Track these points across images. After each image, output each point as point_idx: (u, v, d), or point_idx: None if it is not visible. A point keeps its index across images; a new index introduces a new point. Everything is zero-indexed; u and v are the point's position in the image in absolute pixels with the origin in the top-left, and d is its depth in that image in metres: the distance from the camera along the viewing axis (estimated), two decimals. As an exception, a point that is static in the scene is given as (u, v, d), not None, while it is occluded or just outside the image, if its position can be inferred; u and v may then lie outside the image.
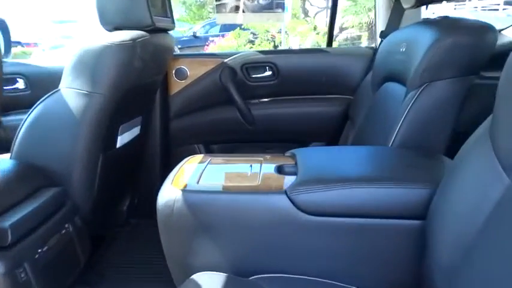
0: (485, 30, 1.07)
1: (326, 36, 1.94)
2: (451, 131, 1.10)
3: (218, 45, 8.36)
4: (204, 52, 1.95)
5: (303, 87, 1.82)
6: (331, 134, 1.82)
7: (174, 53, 1.81)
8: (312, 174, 0.90)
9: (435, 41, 1.08)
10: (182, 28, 11.69)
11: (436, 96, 1.09)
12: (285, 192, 0.85)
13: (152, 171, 1.84)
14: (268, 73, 1.82)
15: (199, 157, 1.10)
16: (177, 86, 1.82)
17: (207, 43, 8.83)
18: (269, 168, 0.99)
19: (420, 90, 1.10)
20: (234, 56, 1.82)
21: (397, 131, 1.11)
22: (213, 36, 9.44)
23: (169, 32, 1.60)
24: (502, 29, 1.84)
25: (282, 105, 1.83)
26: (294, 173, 0.94)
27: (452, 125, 1.10)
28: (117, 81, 1.19)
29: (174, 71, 1.81)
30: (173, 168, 1.85)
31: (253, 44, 8.34)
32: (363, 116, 1.54)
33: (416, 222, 0.83)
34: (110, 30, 1.30)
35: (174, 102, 1.83)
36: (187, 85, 1.81)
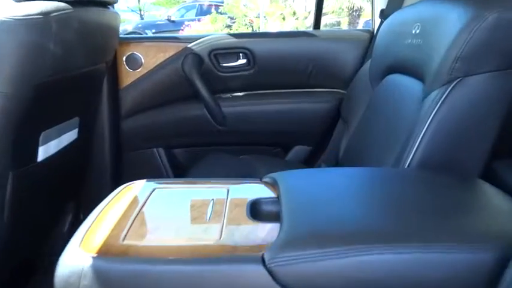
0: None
1: (312, 19, 1.61)
2: (491, 144, 0.80)
3: (194, 30, 7.96)
4: (162, 35, 1.60)
5: (284, 79, 1.48)
6: (319, 136, 1.50)
7: (124, 35, 1.45)
8: (305, 225, 0.58)
9: (472, 18, 0.77)
10: (158, 12, 11.14)
11: (473, 97, 0.78)
12: (262, 260, 0.53)
13: (100, 182, 1.49)
14: (242, 61, 1.48)
15: (139, 185, 0.77)
16: (129, 77, 1.46)
17: (182, 27, 8.41)
18: (239, 206, 0.67)
19: (449, 88, 0.79)
20: (200, 40, 1.47)
21: (418, 145, 0.80)
22: (188, 20, 9.04)
23: (110, 5, 1.23)
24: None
25: (259, 100, 1.50)
26: (276, 218, 0.62)
27: (494, 136, 0.80)
28: (23, 73, 0.84)
29: (124, 59, 1.45)
30: (125, 175, 1.45)
31: (230, 29, 7.99)
32: (360, 116, 1.23)
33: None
34: (17, 0, 0.93)
35: (126, 97, 1.47)
36: (141, 76, 1.46)
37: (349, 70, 1.43)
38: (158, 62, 1.45)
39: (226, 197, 0.70)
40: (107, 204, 0.71)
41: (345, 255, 0.50)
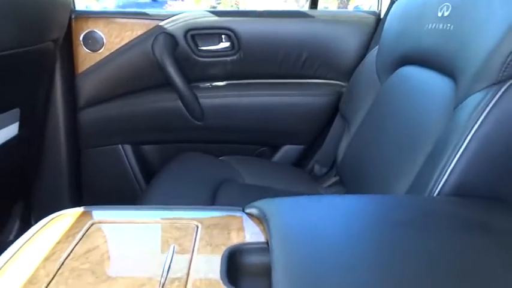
0: None
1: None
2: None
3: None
4: (128, 10, 1.34)
5: (274, 68, 1.26)
6: (313, 135, 1.30)
7: (79, 9, 1.20)
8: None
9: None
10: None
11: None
12: None
13: (56, 182, 1.26)
14: (224, 44, 1.25)
15: (71, 216, 0.55)
16: (87, 60, 1.22)
17: (164, 7, 8.04)
18: (211, 259, 0.46)
19: (501, 91, 0.59)
20: (175, 18, 1.23)
21: (453, 167, 0.60)
22: (172, -1, 8.66)
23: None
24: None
25: (243, 91, 1.27)
26: (263, 279, 0.41)
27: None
28: None
29: (81, 38, 1.20)
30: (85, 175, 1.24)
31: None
32: (363, 115, 1.03)
33: None
34: None
35: (84, 84, 1.23)
36: (103, 59, 1.22)
37: (351, 59, 1.22)
38: (123, 43, 1.21)
39: (193, 242, 0.49)
40: (25, 242, 0.50)
41: None
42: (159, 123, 1.29)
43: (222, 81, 1.29)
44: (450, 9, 0.77)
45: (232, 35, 1.23)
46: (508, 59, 0.58)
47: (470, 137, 0.59)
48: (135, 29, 1.21)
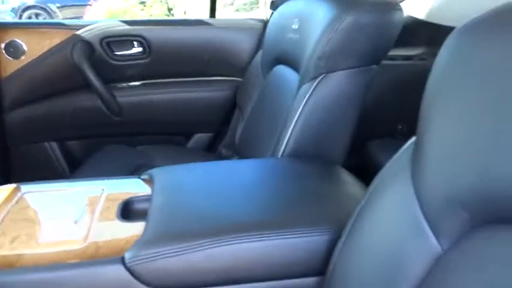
0: (391, 7, 0.85)
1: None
2: (351, 134, 0.89)
3: (104, 6, 7.44)
4: (46, 20, 1.47)
5: (182, 68, 1.48)
6: (218, 123, 1.54)
7: (0, 20, 1.34)
8: (167, 222, 0.60)
9: (333, 19, 0.84)
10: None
11: (335, 91, 0.86)
12: (123, 261, 0.55)
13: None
14: (137, 49, 1.45)
15: (5, 190, 0.73)
16: (10, 66, 1.35)
17: (89, 2, 7.82)
18: (111, 206, 0.68)
19: (316, 82, 0.86)
20: (91, 27, 1.40)
21: (289, 135, 0.86)
22: (99, -6, 8.42)
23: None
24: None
25: (157, 90, 1.48)
26: (145, 217, 0.64)
27: (354, 126, 0.89)
28: None
29: (3, 46, 1.33)
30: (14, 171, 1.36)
31: (144, 6, 7.62)
32: (252, 105, 1.28)
33: (316, 280, 0.60)
34: None
35: (9, 87, 1.37)
36: (25, 65, 1.36)
37: (244, 59, 1.46)
38: (44, 50, 1.36)
39: (99, 198, 0.70)
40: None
41: (197, 249, 0.54)
42: (81, 120, 1.46)
43: (136, 81, 1.48)
44: (299, 23, 1.04)
45: (143, 41, 1.43)
46: (317, 62, 0.85)
47: (299, 113, 0.86)
48: (54, 38, 1.36)
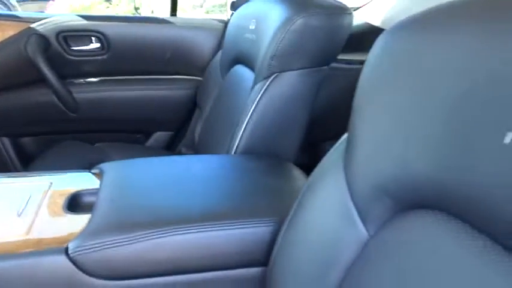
0: (341, 11, 0.89)
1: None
2: (303, 132, 0.92)
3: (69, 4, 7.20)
4: (-1, 12, 1.42)
5: (141, 65, 1.47)
6: (178, 122, 1.54)
7: None
8: (112, 214, 0.61)
9: (286, 20, 0.87)
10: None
11: (287, 90, 0.89)
12: (66, 251, 0.55)
13: None
14: (95, 45, 1.43)
15: None
16: (-41, 58, 1.30)
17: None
18: (58, 199, 0.67)
19: (268, 82, 0.89)
20: (46, 21, 1.37)
21: (242, 133, 0.88)
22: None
23: None
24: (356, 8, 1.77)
25: (115, 86, 1.46)
26: (91, 209, 0.64)
27: (305, 125, 0.92)
28: None
29: (-49, 38, 1.28)
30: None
31: (110, 3, 7.44)
32: (211, 104, 1.29)
33: (260, 270, 0.62)
34: None
35: (-43, 81, 1.31)
36: (-25, 57, 1.31)
37: (205, 58, 1.47)
38: (-4, 43, 1.32)
39: (47, 191, 0.70)
40: None
41: (142, 240, 0.55)
42: (36, 116, 1.42)
43: (94, 77, 1.46)
44: (256, 23, 1.06)
45: (101, 37, 1.41)
46: (270, 62, 0.87)
47: (252, 112, 0.88)
48: (7, 30, 1.32)
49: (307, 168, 0.92)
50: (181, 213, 0.61)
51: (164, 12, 1.70)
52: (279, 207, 0.63)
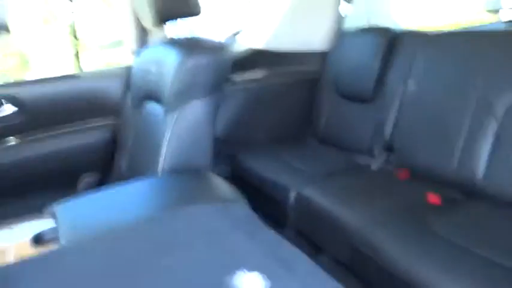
0: (220, 49, 1.16)
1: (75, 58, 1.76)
2: (212, 146, 1.16)
3: None
4: None
5: (59, 120, 1.60)
6: (103, 163, 1.68)
7: None
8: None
9: (179, 63, 1.10)
10: None
11: (192, 117, 1.12)
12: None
13: None
14: (10, 110, 1.52)
15: None
16: None
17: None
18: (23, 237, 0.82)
19: (177, 112, 1.11)
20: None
21: (164, 156, 1.09)
22: None
23: None
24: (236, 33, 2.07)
25: (37, 144, 1.57)
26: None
27: (213, 140, 1.16)
28: None
29: None
30: None
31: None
32: (131, 140, 1.47)
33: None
34: None
35: None
36: None
37: (116, 101, 1.65)
38: None
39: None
40: None
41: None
42: None
43: (14, 140, 1.54)
44: (156, 67, 1.28)
45: (15, 100, 1.51)
46: (175, 97, 1.10)
47: (168, 138, 1.10)
48: None
49: (228, 178, 1.14)
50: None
51: (56, 65, 1.80)
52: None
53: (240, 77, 1.95)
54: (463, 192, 1.31)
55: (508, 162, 1.21)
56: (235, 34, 2.05)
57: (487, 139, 1.26)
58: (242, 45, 2.00)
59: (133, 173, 1.41)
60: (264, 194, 1.60)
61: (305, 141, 2.00)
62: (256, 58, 1.99)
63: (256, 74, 2.01)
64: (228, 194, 0.91)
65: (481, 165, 1.26)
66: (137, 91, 1.47)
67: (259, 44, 2.00)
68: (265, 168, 1.65)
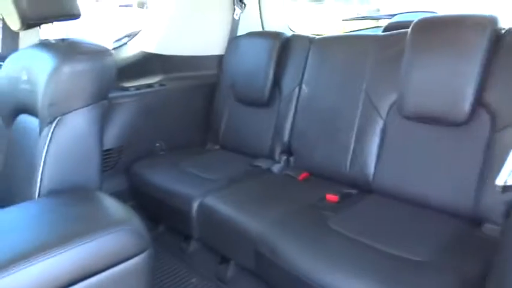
0: (103, 54, 1.04)
1: None
2: (101, 159, 1.04)
3: None
4: None
5: None
6: None
7: None
8: None
9: (53, 70, 0.97)
10: None
11: (73, 129, 0.99)
12: None
13: None
14: None
15: None
16: None
17: None
18: None
19: (53, 125, 0.97)
20: None
21: (41, 176, 0.95)
22: None
23: None
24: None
25: None
26: None
27: (100, 154, 1.04)
28: None
29: None
30: None
31: None
32: (3, 161, 1.26)
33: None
34: None
35: None
36: None
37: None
38: None
39: None
40: None
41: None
42: None
43: None
44: (27, 74, 1.11)
45: None
46: (50, 109, 0.96)
47: (45, 155, 0.95)
48: None
49: (120, 191, 1.03)
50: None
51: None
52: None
53: (132, 82, 1.82)
54: (359, 189, 1.38)
55: (394, 158, 1.31)
56: (125, 37, 1.91)
57: (375, 138, 1.35)
58: (134, 49, 1.87)
59: (6, 199, 1.21)
60: (166, 206, 1.51)
61: (205, 148, 1.95)
62: (150, 63, 1.87)
63: (150, 79, 1.90)
64: (118, 216, 0.81)
65: (369, 162, 1.35)
66: (7, 101, 1.26)
67: (152, 48, 1.89)
68: (165, 178, 1.56)
